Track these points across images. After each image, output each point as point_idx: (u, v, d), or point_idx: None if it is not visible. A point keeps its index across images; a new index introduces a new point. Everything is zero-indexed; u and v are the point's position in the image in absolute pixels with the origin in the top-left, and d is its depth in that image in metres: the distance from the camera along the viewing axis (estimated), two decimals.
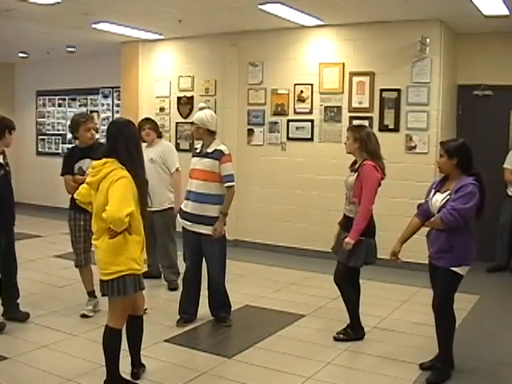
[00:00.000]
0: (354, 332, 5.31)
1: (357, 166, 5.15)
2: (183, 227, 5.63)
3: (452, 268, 4.34)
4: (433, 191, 4.54)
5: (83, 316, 5.78)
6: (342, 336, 5.30)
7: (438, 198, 4.42)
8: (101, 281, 4.00)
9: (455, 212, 4.19)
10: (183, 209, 5.60)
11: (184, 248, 5.68)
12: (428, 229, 4.58)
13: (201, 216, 5.44)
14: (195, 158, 5.59)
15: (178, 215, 5.70)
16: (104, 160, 3.97)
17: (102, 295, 4.11)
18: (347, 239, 5.03)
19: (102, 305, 5.69)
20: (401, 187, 7.73)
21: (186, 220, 5.55)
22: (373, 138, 5.17)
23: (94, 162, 4.05)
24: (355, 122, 7.67)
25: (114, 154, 3.97)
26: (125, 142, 3.98)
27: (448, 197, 4.32)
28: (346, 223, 5.23)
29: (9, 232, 5.55)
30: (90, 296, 5.93)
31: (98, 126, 5.94)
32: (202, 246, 5.55)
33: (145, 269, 5.44)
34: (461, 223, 4.23)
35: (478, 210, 4.33)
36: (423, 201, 4.68)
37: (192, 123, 5.69)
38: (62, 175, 5.82)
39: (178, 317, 5.65)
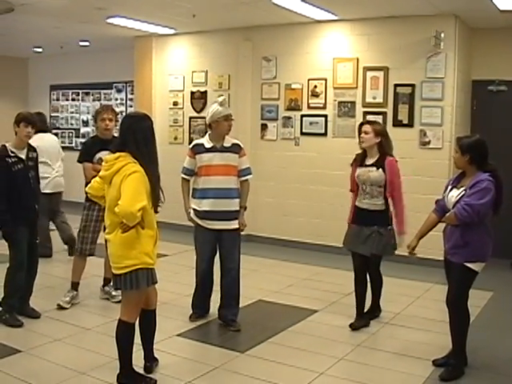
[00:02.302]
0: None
1: (375, 160, 5.20)
2: (202, 227, 5.35)
3: (466, 264, 4.32)
4: (449, 187, 4.52)
5: (59, 306, 5.75)
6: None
7: (454, 194, 4.39)
8: (114, 274, 4.01)
9: (469, 207, 4.17)
10: (199, 208, 5.30)
11: (202, 247, 5.44)
12: (445, 224, 4.56)
13: (229, 212, 5.29)
14: (210, 154, 5.26)
15: (195, 216, 5.36)
16: (117, 154, 3.96)
17: (115, 289, 4.12)
18: (401, 234, 5.26)
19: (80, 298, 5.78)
20: (414, 183, 7.66)
21: (207, 219, 5.30)
22: None
23: (107, 156, 4.05)
24: (369, 117, 7.62)
25: (125, 149, 3.97)
26: (134, 137, 3.96)
27: (463, 192, 4.30)
28: (370, 217, 5.29)
29: (31, 226, 5.43)
30: (72, 288, 5.93)
31: (117, 116, 5.94)
32: (222, 243, 5.39)
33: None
34: (475, 219, 4.21)
35: (495, 206, 4.30)
36: (441, 196, 4.66)
37: (231, 117, 5.32)
38: (79, 162, 5.84)
39: (191, 311, 5.65)
